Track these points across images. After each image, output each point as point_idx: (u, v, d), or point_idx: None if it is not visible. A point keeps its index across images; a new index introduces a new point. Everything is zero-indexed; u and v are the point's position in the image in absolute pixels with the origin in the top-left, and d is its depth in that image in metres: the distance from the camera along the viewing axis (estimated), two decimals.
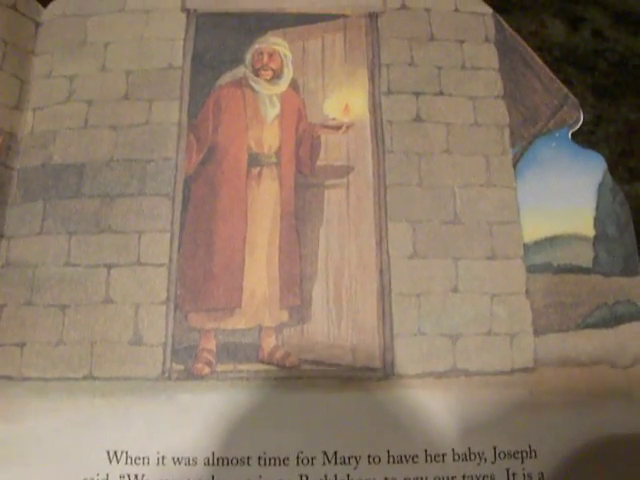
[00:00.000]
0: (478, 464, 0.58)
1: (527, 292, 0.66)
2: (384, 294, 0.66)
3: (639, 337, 0.64)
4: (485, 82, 0.74)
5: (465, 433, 0.59)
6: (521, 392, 0.61)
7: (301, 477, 0.57)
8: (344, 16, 0.76)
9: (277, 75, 0.74)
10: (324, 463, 0.58)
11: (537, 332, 0.64)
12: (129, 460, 0.58)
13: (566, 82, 0.74)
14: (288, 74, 0.74)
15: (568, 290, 0.65)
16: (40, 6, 0.76)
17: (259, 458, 0.58)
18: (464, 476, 0.58)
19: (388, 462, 0.58)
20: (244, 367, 0.63)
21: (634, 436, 0.59)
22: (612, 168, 0.70)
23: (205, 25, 0.76)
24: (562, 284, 0.66)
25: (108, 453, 0.58)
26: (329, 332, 0.66)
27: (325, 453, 0.58)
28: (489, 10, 0.77)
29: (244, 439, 0.59)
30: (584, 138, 0.73)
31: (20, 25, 0.75)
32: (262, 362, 0.64)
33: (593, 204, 0.69)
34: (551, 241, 0.67)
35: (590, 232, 0.68)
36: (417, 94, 0.73)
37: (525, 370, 0.63)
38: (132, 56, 0.74)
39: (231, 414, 0.60)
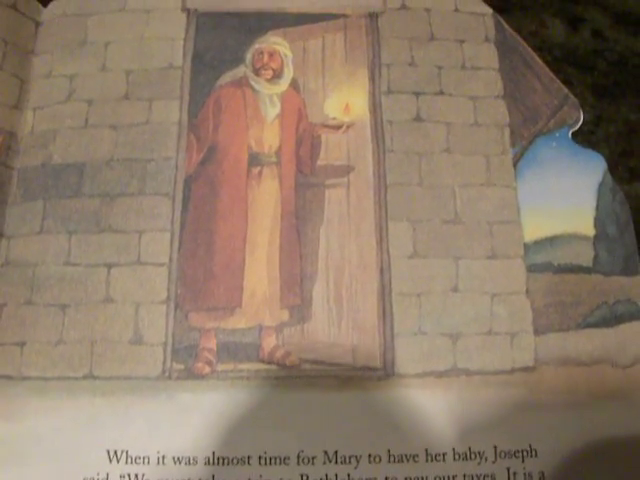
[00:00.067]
0: (479, 463, 0.58)
1: (527, 292, 0.66)
2: (384, 294, 0.66)
3: (639, 337, 0.64)
4: (485, 82, 0.74)
5: (465, 432, 0.59)
6: (521, 391, 0.61)
7: (302, 476, 0.57)
8: (344, 16, 0.76)
9: (277, 75, 0.74)
10: (325, 462, 0.58)
11: (537, 331, 0.64)
12: (129, 459, 0.58)
13: (566, 82, 0.74)
14: (288, 74, 0.74)
15: (568, 290, 0.65)
16: (40, 5, 0.76)
17: (259, 457, 0.58)
18: (465, 475, 0.58)
19: (389, 461, 0.58)
20: (244, 366, 0.63)
21: (634, 435, 0.59)
22: (612, 168, 0.70)
23: (205, 25, 0.76)
24: (562, 284, 0.66)
25: (108, 452, 0.58)
26: (329, 332, 0.66)
27: (326, 452, 0.58)
28: (489, 10, 0.77)
29: (244, 438, 0.59)
30: (584, 138, 0.73)
31: (20, 24, 0.75)
32: (262, 362, 0.64)
33: (593, 204, 0.69)
34: (551, 241, 0.67)
35: (590, 232, 0.68)
36: (417, 94, 0.73)
37: (525, 369, 0.63)
38: (132, 56, 0.74)
39: (231, 413, 0.60)
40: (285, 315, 0.67)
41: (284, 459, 0.58)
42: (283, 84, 0.74)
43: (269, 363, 0.64)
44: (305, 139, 0.73)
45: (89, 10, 0.76)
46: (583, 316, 0.64)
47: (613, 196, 0.69)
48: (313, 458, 0.58)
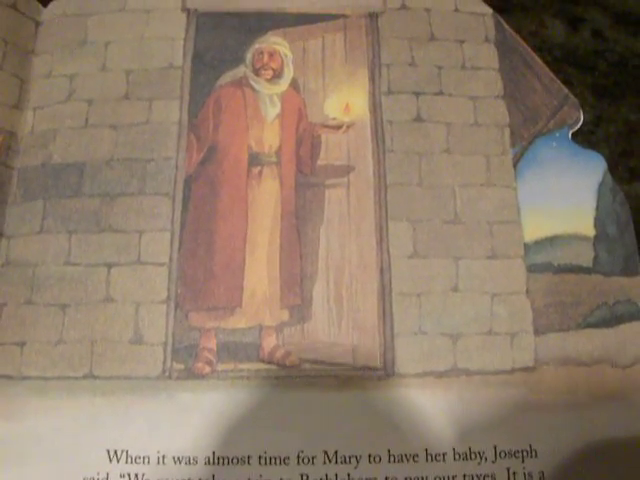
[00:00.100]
0: (479, 463, 0.58)
1: (527, 292, 0.66)
2: (384, 293, 0.66)
3: (639, 337, 0.64)
4: (485, 82, 0.74)
5: (465, 432, 0.59)
6: (522, 392, 0.61)
7: (302, 476, 0.57)
8: (344, 16, 0.76)
9: (277, 75, 0.74)
10: (325, 462, 0.58)
11: (537, 331, 0.64)
12: (129, 459, 0.58)
13: (566, 82, 0.74)
14: (288, 74, 0.74)
15: (568, 290, 0.65)
16: (40, 5, 0.76)
17: (260, 457, 0.58)
18: (465, 475, 0.58)
19: (389, 461, 0.58)
20: (244, 366, 0.63)
21: (634, 435, 0.59)
22: (612, 168, 0.70)
23: (205, 25, 0.76)
24: (562, 284, 0.66)
25: (108, 452, 0.58)
26: (330, 331, 0.66)
27: (326, 452, 0.58)
28: (489, 10, 0.77)
29: (245, 438, 0.59)
30: (584, 138, 0.73)
31: (20, 24, 0.75)
32: (262, 361, 0.64)
33: (593, 204, 0.69)
34: (551, 241, 0.67)
35: (590, 232, 0.68)
36: (417, 94, 0.73)
37: (525, 369, 0.63)
38: (132, 55, 0.74)
39: (231, 413, 0.60)
40: (285, 315, 0.67)
41: (284, 459, 0.58)
42: (283, 84, 0.74)
43: (269, 363, 0.64)
44: (305, 139, 0.73)
45: (89, 10, 0.76)
46: (583, 316, 0.64)
47: (613, 196, 0.69)
48: (313, 458, 0.58)
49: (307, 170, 0.72)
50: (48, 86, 0.73)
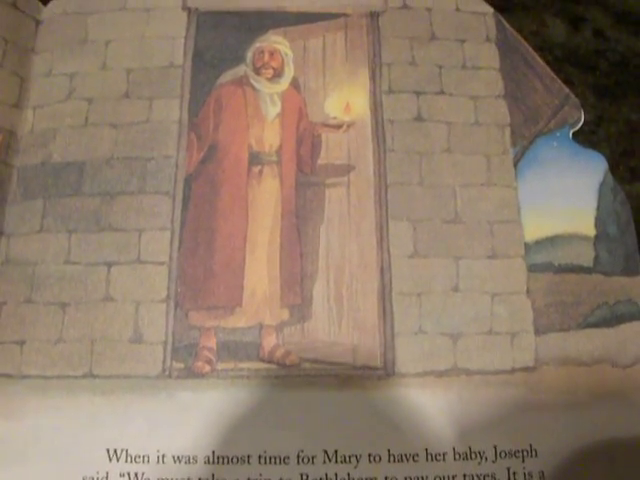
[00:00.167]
0: (479, 463, 0.58)
1: (528, 291, 0.66)
2: (385, 293, 0.66)
3: None
4: (486, 82, 0.74)
5: (466, 432, 0.59)
6: (522, 391, 0.61)
7: (301, 476, 0.57)
8: (345, 15, 0.76)
9: (278, 74, 0.74)
10: (325, 462, 0.58)
11: (538, 331, 0.64)
12: (129, 458, 0.58)
13: (567, 82, 0.74)
14: (289, 73, 0.74)
15: (569, 289, 0.65)
16: (40, 4, 0.76)
17: (259, 457, 0.58)
18: (465, 475, 0.58)
19: (389, 461, 0.58)
20: (244, 365, 0.63)
21: (634, 435, 0.59)
22: (613, 168, 0.70)
23: (206, 23, 0.75)
24: (563, 283, 0.66)
25: (108, 451, 0.58)
26: (330, 331, 0.66)
27: (326, 452, 0.58)
28: (490, 10, 0.77)
29: (244, 437, 0.58)
30: (585, 138, 0.73)
31: (20, 23, 0.74)
32: (262, 360, 0.64)
33: (594, 204, 0.69)
34: (552, 240, 0.67)
35: (591, 232, 0.68)
36: (418, 93, 0.73)
37: (526, 369, 0.63)
38: (133, 54, 0.74)
39: (231, 412, 0.59)
40: (285, 314, 0.67)
41: (284, 458, 0.58)
42: (284, 83, 0.74)
43: (269, 362, 0.64)
44: (306, 138, 0.73)
45: (89, 8, 0.76)
46: (584, 316, 0.64)
47: (614, 196, 0.69)
48: (313, 457, 0.58)
49: (307, 169, 0.72)
50: (48, 85, 0.73)
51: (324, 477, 0.57)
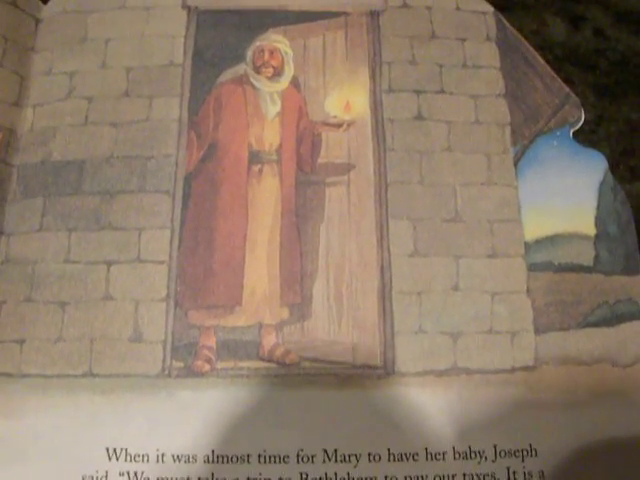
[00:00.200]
0: (479, 463, 0.58)
1: (528, 290, 0.66)
2: (385, 292, 0.66)
3: None
4: (486, 81, 0.74)
5: (465, 431, 0.59)
6: (522, 390, 0.61)
7: (301, 475, 0.57)
8: (345, 14, 0.76)
9: (278, 72, 0.74)
10: (324, 461, 0.58)
11: (538, 330, 0.64)
12: (128, 457, 0.58)
13: (567, 81, 0.74)
14: (289, 72, 0.74)
15: (569, 289, 0.65)
16: (40, 3, 0.76)
17: (259, 456, 0.58)
18: (464, 475, 0.58)
19: (388, 460, 0.58)
20: (244, 364, 0.63)
21: (634, 434, 0.59)
22: (613, 167, 0.70)
23: (206, 22, 0.75)
24: (563, 283, 0.66)
25: (107, 450, 0.58)
26: (329, 330, 0.66)
27: (325, 451, 0.58)
28: (490, 8, 0.77)
29: (244, 437, 0.58)
30: (585, 137, 0.73)
31: (20, 21, 0.74)
32: (262, 359, 0.64)
33: (594, 203, 0.69)
34: (552, 240, 0.67)
35: (591, 231, 0.68)
36: (418, 92, 0.73)
37: (526, 368, 0.63)
38: (133, 53, 0.74)
39: (231, 412, 0.59)
40: (285, 313, 0.67)
41: (284, 457, 0.58)
42: (284, 82, 0.74)
43: (269, 361, 0.64)
44: (306, 137, 0.73)
45: (89, 7, 0.76)
46: (584, 315, 0.64)
47: (614, 195, 0.69)
48: (313, 456, 0.58)
49: (307, 168, 0.72)
50: (48, 83, 0.73)
51: (324, 476, 0.57)
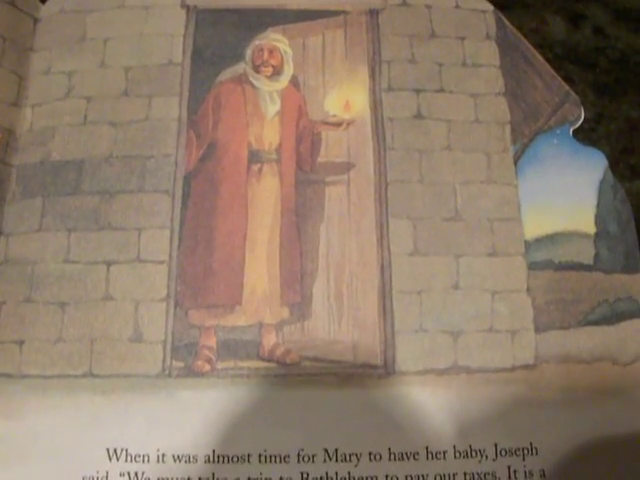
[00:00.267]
0: (479, 461, 0.58)
1: (528, 289, 0.66)
2: (385, 291, 0.66)
3: None
4: (486, 79, 0.74)
5: (466, 430, 0.59)
6: (522, 389, 0.61)
7: (302, 475, 0.57)
8: (345, 13, 0.76)
9: (277, 72, 0.74)
10: (325, 460, 0.58)
11: (538, 329, 0.64)
12: (129, 458, 0.58)
13: (567, 79, 0.74)
14: (288, 71, 0.74)
15: (569, 287, 0.65)
16: (39, 2, 0.76)
17: (260, 455, 0.58)
18: (465, 473, 0.58)
19: (389, 459, 0.58)
20: (244, 364, 0.63)
21: (635, 433, 0.59)
22: (613, 165, 0.70)
23: (205, 21, 0.75)
24: (563, 281, 0.66)
25: (108, 451, 0.58)
26: (330, 329, 0.66)
27: (326, 450, 0.58)
28: (490, 7, 0.77)
29: (244, 436, 0.58)
30: (585, 135, 0.73)
31: (19, 21, 0.74)
32: (262, 359, 0.64)
33: (594, 201, 0.69)
34: (552, 238, 0.67)
35: (591, 229, 0.68)
36: (418, 91, 0.73)
37: (526, 367, 0.63)
38: (132, 52, 0.74)
39: (231, 411, 0.59)
40: (285, 312, 0.67)
41: (284, 457, 0.58)
42: (283, 81, 0.74)
43: (269, 361, 0.64)
44: (305, 136, 0.73)
45: (88, 7, 0.76)
46: (584, 314, 0.64)
47: (614, 194, 0.69)
48: (313, 456, 0.58)
49: (307, 167, 0.71)
50: (47, 83, 0.73)
51: (324, 476, 0.57)
